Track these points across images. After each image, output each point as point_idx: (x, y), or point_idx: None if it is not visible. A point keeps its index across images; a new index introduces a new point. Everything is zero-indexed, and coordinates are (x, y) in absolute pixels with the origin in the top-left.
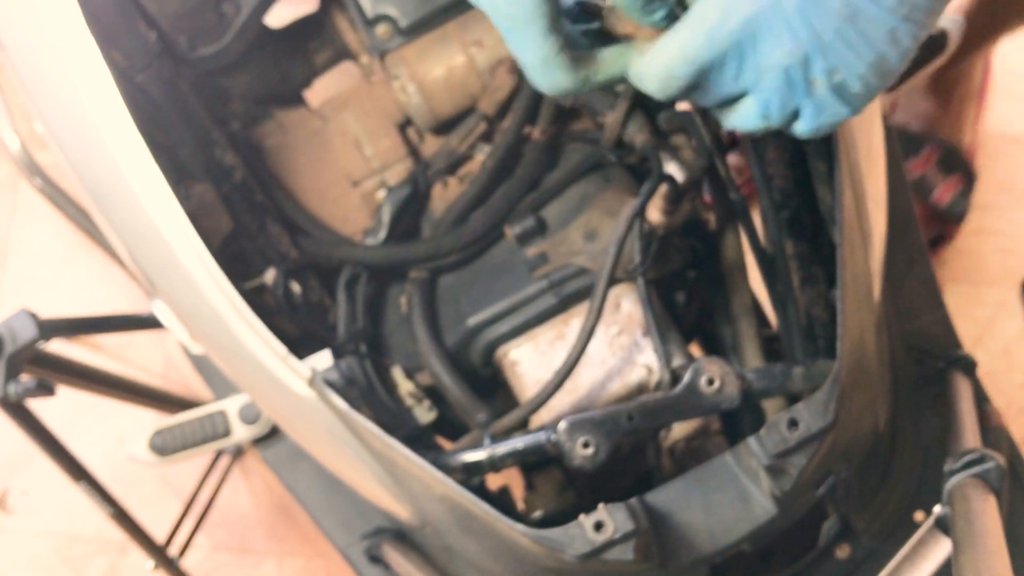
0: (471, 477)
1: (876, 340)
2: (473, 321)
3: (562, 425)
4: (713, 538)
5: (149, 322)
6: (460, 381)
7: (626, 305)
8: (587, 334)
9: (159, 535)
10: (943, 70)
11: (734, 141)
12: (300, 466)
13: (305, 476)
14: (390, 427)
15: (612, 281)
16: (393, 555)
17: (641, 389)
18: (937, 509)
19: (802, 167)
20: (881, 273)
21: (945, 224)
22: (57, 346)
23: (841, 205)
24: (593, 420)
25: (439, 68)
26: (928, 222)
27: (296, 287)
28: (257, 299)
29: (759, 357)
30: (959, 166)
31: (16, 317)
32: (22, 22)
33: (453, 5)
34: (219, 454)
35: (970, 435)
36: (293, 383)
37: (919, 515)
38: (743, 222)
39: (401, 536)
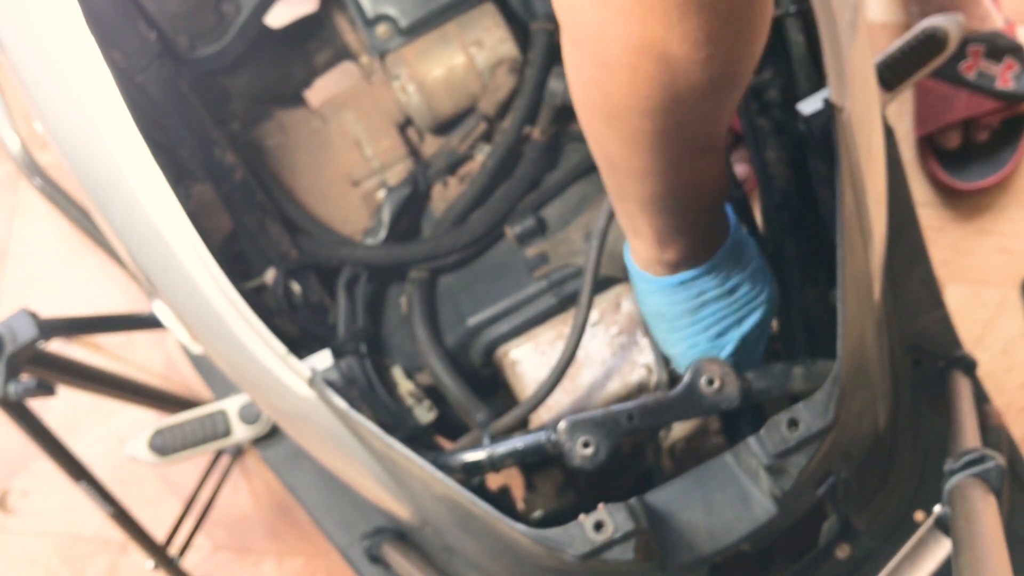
0: (471, 477)
1: (876, 340)
2: (473, 321)
3: (562, 425)
4: (713, 538)
5: (149, 322)
6: (460, 381)
7: (626, 305)
8: (579, 329)
9: (159, 535)
10: None
11: (735, 138)
12: (300, 466)
13: (305, 476)
14: (390, 427)
15: (598, 273)
16: (393, 555)
17: (641, 389)
18: (937, 509)
19: (802, 167)
20: (881, 273)
21: (1020, 105)
22: (57, 346)
23: (841, 205)
24: (593, 420)
25: (439, 68)
26: (1004, 111)
27: (296, 287)
28: (257, 299)
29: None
30: (1007, 48)
31: (16, 317)
32: (22, 22)
33: (453, 5)
34: (219, 454)
35: (970, 435)
36: (293, 383)
37: (919, 515)
38: (745, 220)
39: (401, 536)
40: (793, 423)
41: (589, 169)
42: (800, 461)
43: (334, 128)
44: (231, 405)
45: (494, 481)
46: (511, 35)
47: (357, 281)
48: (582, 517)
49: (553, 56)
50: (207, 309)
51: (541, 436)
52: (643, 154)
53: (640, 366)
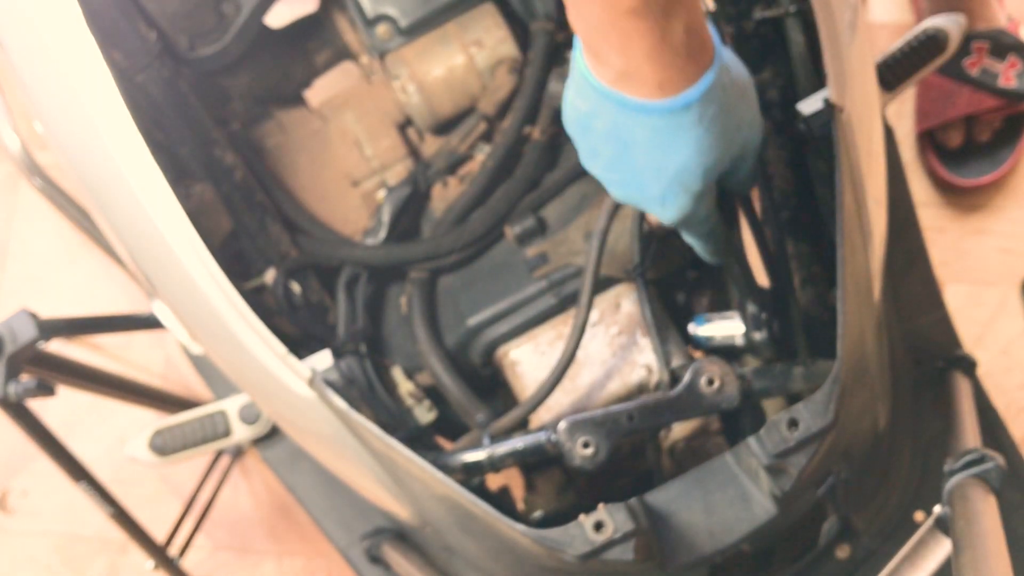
0: (471, 477)
1: (876, 340)
2: (473, 321)
3: (562, 425)
4: (713, 538)
5: (149, 322)
6: (460, 381)
7: (626, 305)
8: (579, 329)
9: (159, 535)
10: None
11: None
12: (300, 466)
13: (305, 476)
14: (390, 427)
15: (598, 273)
16: (393, 555)
17: (641, 389)
18: (937, 509)
19: (802, 167)
20: (881, 273)
21: (1022, 103)
22: (57, 346)
23: (841, 205)
24: (593, 420)
25: (439, 68)
26: (1005, 109)
27: (296, 287)
28: (257, 299)
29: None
30: (1010, 46)
31: (16, 317)
32: (22, 22)
33: (453, 5)
34: (219, 454)
35: (970, 435)
36: (293, 383)
37: (919, 515)
38: (746, 218)
39: (401, 536)
40: (793, 423)
41: None
42: (800, 461)
43: (334, 128)
44: (231, 405)
45: (494, 481)
46: (511, 35)
47: (357, 281)
48: (582, 517)
49: (553, 56)
50: (207, 309)
51: (541, 436)
52: None
53: (640, 366)
